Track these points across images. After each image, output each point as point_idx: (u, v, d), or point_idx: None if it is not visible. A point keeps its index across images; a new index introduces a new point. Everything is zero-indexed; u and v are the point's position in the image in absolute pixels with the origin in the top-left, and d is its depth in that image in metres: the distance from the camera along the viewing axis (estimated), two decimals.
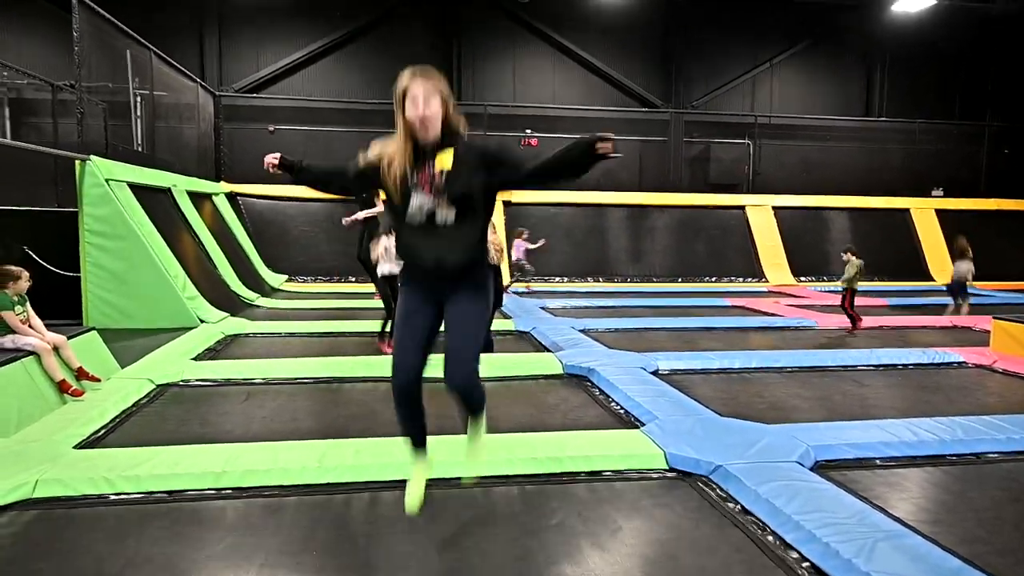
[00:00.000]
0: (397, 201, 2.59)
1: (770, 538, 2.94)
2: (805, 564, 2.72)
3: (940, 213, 17.06)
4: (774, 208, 16.45)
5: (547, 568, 2.72)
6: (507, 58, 17.38)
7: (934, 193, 17.85)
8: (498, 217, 14.70)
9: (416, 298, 2.64)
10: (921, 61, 18.33)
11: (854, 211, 16.85)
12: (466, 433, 2.99)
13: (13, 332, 4.54)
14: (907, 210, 17.06)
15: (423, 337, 2.63)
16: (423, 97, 2.49)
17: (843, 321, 8.90)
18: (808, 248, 16.19)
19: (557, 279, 14.79)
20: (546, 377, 5.83)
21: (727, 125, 17.68)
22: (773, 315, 9.84)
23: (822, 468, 3.70)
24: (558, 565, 2.74)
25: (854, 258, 8.73)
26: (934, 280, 15.84)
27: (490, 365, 6.03)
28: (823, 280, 15.58)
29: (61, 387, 4.59)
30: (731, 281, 15.12)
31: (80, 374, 4.80)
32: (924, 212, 17.06)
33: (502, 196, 15.76)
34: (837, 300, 11.82)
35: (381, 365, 5.90)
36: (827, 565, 2.65)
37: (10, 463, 3.48)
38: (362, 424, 4.48)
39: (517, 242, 13.05)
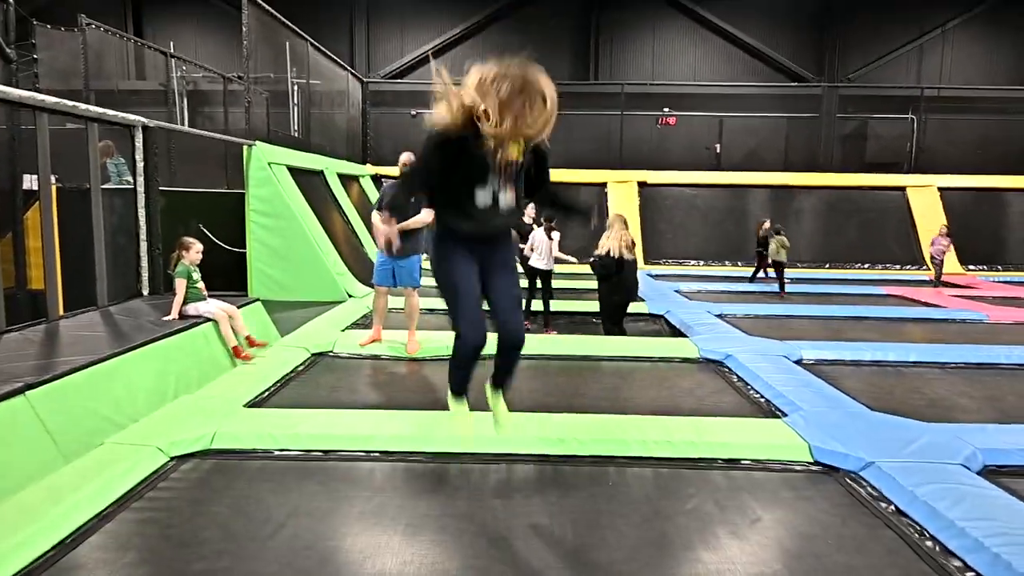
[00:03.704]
0: (469, 178, 2.57)
1: (928, 543, 2.73)
2: (970, 574, 2.51)
3: None
4: (940, 189, 14.98)
5: (683, 553, 2.69)
6: (646, 34, 16.97)
7: None
8: (631, 201, 14.50)
9: (466, 258, 2.70)
10: None
11: None
12: (491, 402, 2.99)
13: (197, 300, 5.07)
14: None
15: (479, 292, 2.73)
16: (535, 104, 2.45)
17: (1021, 316, 8.06)
18: (979, 234, 14.58)
19: (692, 262, 14.37)
20: (681, 361, 5.71)
21: (888, 99, 16.23)
22: (935, 306, 9.03)
23: (992, 473, 3.37)
24: (694, 551, 2.71)
25: (779, 236, 10.67)
26: None
27: (623, 346, 6.00)
28: (996, 270, 14.06)
29: (234, 352, 5.09)
30: (886, 268, 14.01)
31: (250, 342, 5.29)
32: None
33: (637, 178, 15.49)
34: (1014, 292, 10.66)
35: None
36: None
37: (193, 416, 3.92)
38: None
39: (937, 238, 12.21)
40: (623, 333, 6.87)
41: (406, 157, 5.62)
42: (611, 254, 6.59)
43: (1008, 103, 16.05)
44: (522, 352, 2.75)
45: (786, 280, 10.55)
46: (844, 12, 16.47)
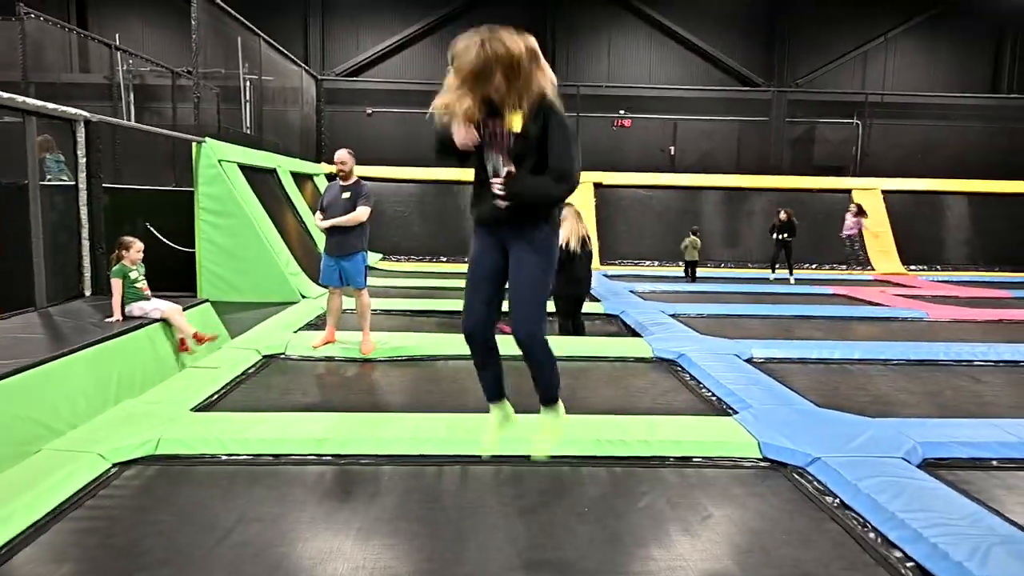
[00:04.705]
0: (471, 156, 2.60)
1: (871, 535, 2.82)
2: (910, 564, 2.59)
3: None
4: (884, 192, 15.49)
5: (635, 550, 2.72)
6: (602, 37, 17.11)
7: None
8: (587, 202, 14.59)
9: (483, 242, 2.65)
10: None
11: (975, 195, 15.66)
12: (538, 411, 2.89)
13: (140, 300, 4.90)
14: None
15: (492, 280, 2.64)
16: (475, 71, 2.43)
17: (957, 313, 8.40)
18: (920, 235, 15.17)
19: (647, 263, 14.55)
20: (635, 360, 5.77)
21: (834, 104, 16.73)
22: (879, 304, 9.33)
23: (930, 466, 3.49)
24: (646, 548, 2.73)
25: (692, 236, 12.02)
26: None
27: (578, 346, 6.03)
28: (936, 269, 14.60)
29: (180, 345, 5.00)
30: (833, 268, 14.42)
31: (197, 338, 5.13)
32: None
33: (593, 179, 15.56)
34: (951, 291, 11.09)
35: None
36: (934, 567, 2.51)
37: (137, 421, 3.80)
38: (454, 400, 4.59)
39: (846, 216, 12.80)
40: (580, 328, 6.79)
41: (339, 155, 5.67)
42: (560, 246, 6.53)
43: (947, 109, 16.70)
44: (540, 355, 2.63)
45: (698, 276, 12.07)
46: (793, 19, 16.89)
